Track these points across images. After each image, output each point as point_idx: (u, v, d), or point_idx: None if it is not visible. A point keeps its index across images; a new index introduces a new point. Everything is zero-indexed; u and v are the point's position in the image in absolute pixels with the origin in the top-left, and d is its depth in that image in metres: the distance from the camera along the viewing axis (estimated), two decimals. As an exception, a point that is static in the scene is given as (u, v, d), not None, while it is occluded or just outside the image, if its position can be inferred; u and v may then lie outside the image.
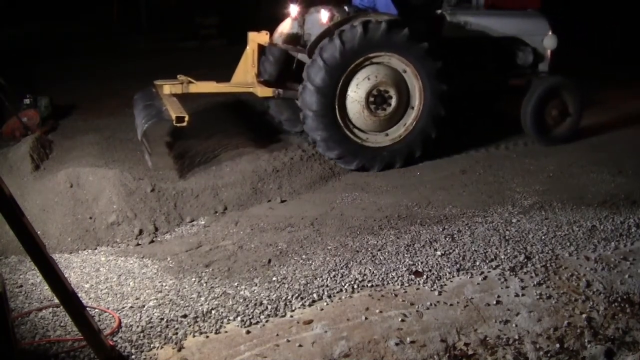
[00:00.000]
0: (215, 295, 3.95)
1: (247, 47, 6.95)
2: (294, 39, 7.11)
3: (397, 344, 3.37)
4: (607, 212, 5.15)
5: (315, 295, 3.90)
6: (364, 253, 4.50)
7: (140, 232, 5.13)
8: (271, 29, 7.23)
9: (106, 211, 5.18)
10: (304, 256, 4.52)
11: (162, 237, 5.12)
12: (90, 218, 5.13)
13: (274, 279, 4.16)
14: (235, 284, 4.11)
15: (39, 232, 3.36)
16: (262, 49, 7.16)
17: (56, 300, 3.15)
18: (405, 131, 6.60)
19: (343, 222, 5.16)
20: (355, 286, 4.00)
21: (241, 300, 3.86)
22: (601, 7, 13.33)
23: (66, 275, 3.26)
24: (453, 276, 4.11)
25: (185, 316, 3.69)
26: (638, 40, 12.41)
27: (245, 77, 6.98)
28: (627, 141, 7.32)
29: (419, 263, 4.29)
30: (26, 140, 6.69)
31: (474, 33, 7.11)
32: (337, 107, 6.35)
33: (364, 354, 3.31)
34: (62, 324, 3.62)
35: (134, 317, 3.70)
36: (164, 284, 4.14)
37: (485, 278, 4.07)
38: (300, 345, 3.36)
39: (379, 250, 4.55)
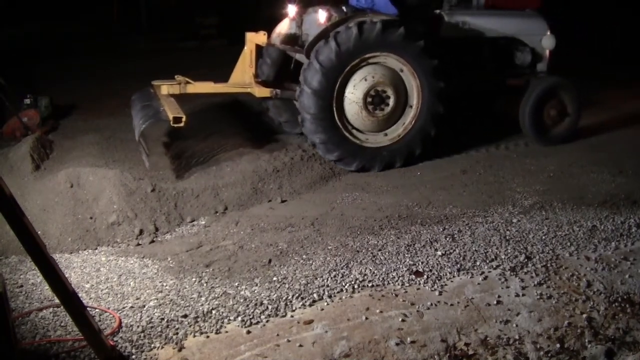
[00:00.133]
0: (216, 295, 3.95)
1: (245, 48, 6.95)
2: (291, 39, 7.11)
3: (397, 344, 3.37)
4: (607, 212, 5.16)
5: (315, 295, 3.90)
6: (365, 253, 4.51)
7: (141, 232, 5.13)
8: (271, 29, 7.24)
9: (106, 211, 5.18)
10: (304, 256, 4.52)
11: (162, 237, 5.12)
12: (91, 218, 5.13)
13: (275, 279, 4.16)
14: (236, 284, 4.11)
15: (39, 232, 3.36)
16: (259, 49, 7.16)
17: (57, 300, 3.15)
18: (404, 130, 6.60)
19: (343, 222, 5.16)
20: (356, 286, 4.00)
21: (242, 300, 3.86)
22: (601, 7, 13.33)
23: (66, 275, 3.26)
24: (453, 276, 4.11)
25: (185, 316, 3.69)
26: (638, 40, 12.41)
27: (243, 77, 6.97)
28: (627, 141, 7.32)
29: (420, 263, 4.30)
30: (26, 140, 6.69)
31: (472, 33, 7.11)
32: (335, 109, 6.35)
33: (364, 354, 3.31)
34: (62, 324, 3.62)
35: (135, 317, 3.70)
36: (165, 284, 4.14)
37: (485, 278, 4.07)
38: (300, 345, 3.37)
39: (380, 250, 4.55)
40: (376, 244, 4.67)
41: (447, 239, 4.70)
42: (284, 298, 3.87)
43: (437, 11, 7.11)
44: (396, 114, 6.58)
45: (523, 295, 3.86)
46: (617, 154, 6.77)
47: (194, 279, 4.21)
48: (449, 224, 5.02)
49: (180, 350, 3.36)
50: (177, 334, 3.51)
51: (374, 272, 4.17)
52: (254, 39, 6.96)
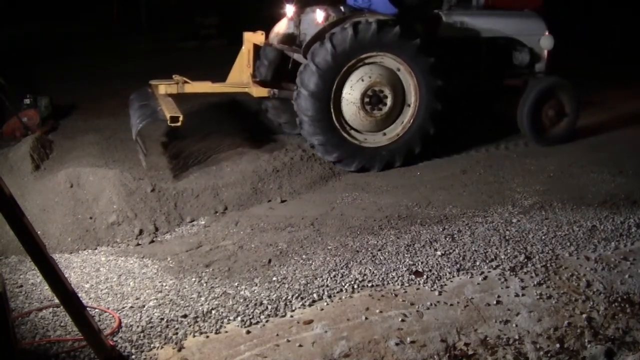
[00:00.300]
0: (216, 295, 3.95)
1: (243, 47, 6.95)
2: (289, 39, 7.11)
3: (397, 344, 3.37)
4: (607, 212, 5.16)
5: (315, 295, 3.90)
6: (364, 253, 4.51)
7: (141, 232, 5.13)
8: (270, 29, 7.23)
9: (106, 211, 5.18)
10: (304, 256, 4.52)
11: (162, 237, 5.13)
12: (91, 218, 5.13)
13: (274, 279, 4.16)
14: (236, 284, 4.11)
15: (39, 232, 3.36)
16: (257, 49, 7.15)
17: (56, 300, 3.15)
18: (403, 129, 6.60)
19: (343, 222, 5.16)
20: (356, 286, 4.00)
21: (241, 300, 3.86)
22: (601, 7, 13.34)
23: (66, 275, 3.26)
24: (453, 276, 4.11)
25: (185, 316, 3.69)
26: (638, 40, 12.42)
27: (241, 77, 6.98)
28: (627, 141, 7.32)
29: (419, 263, 4.30)
30: (26, 140, 6.69)
31: (470, 33, 7.10)
32: (332, 110, 6.34)
33: (364, 354, 3.31)
34: (62, 324, 3.62)
35: (134, 317, 3.70)
36: (164, 284, 4.14)
37: (485, 278, 4.07)
38: (300, 345, 3.37)
39: (379, 250, 4.55)
40: (376, 244, 4.67)
41: (447, 239, 4.70)
42: (284, 298, 3.87)
43: (436, 11, 7.11)
44: (394, 114, 6.58)
45: (523, 295, 3.86)
46: (617, 154, 6.77)
47: (193, 279, 4.21)
48: (448, 224, 5.02)
49: (179, 350, 3.36)
50: (176, 334, 3.51)
51: (373, 272, 4.17)
52: (252, 38, 6.96)
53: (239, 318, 3.65)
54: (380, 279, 4.08)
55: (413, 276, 4.12)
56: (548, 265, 4.24)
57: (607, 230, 4.79)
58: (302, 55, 6.43)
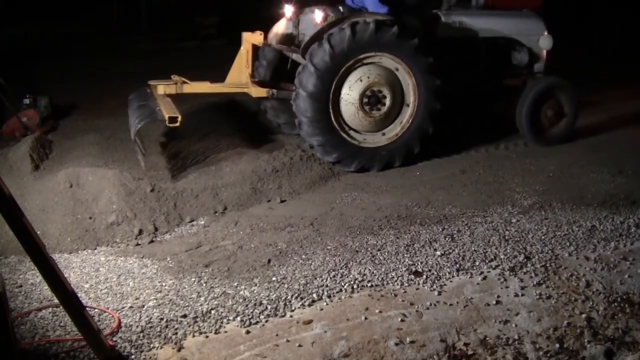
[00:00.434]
0: (215, 295, 3.95)
1: (242, 48, 6.95)
2: (288, 39, 7.11)
3: (396, 344, 3.37)
4: (606, 212, 5.16)
5: (314, 295, 3.90)
6: (364, 253, 4.51)
7: (140, 232, 5.13)
8: (269, 29, 7.23)
9: (106, 211, 5.18)
10: (303, 256, 4.52)
11: (161, 237, 5.13)
12: (90, 218, 5.13)
13: (274, 279, 4.16)
14: (235, 284, 4.11)
15: (38, 232, 3.36)
16: (256, 50, 7.15)
17: (56, 300, 3.15)
18: (402, 129, 6.60)
19: (343, 222, 5.16)
20: (355, 286, 4.00)
21: (241, 300, 3.86)
22: (601, 7, 13.34)
23: (66, 275, 3.26)
24: (453, 276, 4.11)
25: (184, 316, 3.69)
26: (638, 40, 12.42)
27: (240, 77, 6.97)
28: (627, 141, 7.32)
29: (419, 263, 4.30)
30: (26, 140, 6.69)
31: (469, 33, 7.10)
32: (331, 111, 6.34)
33: (363, 354, 3.31)
34: (61, 324, 3.62)
35: (134, 317, 3.70)
36: (164, 284, 4.14)
37: (485, 278, 4.07)
38: (299, 345, 3.37)
39: (379, 250, 4.55)
40: (375, 244, 4.67)
41: (447, 239, 4.70)
42: (283, 298, 3.87)
43: (435, 11, 7.11)
44: (393, 114, 6.58)
45: (522, 295, 3.86)
46: (617, 154, 6.77)
47: (193, 279, 4.21)
48: (448, 224, 5.02)
49: (179, 350, 3.36)
50: (176, 334, 3.51)
51: (373, 272, 4.17)
52: (251, 38, 6.96)
53: (239, 318, 3.65)
54: (380, 279, 4.08)
55: (412, 276, 4.12)
56: (547, 265, 4.24)
57: (606, 230, 4.79)
58: (301, 56, 6.43)
